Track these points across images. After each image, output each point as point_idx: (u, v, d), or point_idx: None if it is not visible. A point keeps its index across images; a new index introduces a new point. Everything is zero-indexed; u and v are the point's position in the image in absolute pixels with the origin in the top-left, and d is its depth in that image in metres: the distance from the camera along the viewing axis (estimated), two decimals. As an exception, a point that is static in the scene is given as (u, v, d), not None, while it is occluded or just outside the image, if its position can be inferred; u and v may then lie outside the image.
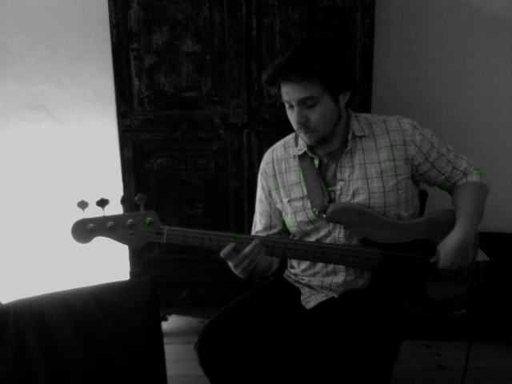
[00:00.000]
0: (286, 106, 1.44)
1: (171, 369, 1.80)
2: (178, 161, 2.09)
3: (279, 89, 1.42)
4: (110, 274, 2.39)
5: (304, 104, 1.38)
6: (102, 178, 2.39)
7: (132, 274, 2.18)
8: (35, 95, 2.38)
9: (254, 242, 1.37)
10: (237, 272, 1.45)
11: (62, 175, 2.44)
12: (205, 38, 1.98)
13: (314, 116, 1.40)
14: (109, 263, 2.44)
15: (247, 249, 1.37)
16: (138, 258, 2.17)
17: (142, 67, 2.01)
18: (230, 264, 1.42)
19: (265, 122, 2.05)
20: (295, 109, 1.40)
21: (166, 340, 1.77)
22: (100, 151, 2.42)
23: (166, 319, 2.33)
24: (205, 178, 2.10)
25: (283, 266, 1.68)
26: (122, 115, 2.05)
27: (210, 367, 1.44)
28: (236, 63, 2.00)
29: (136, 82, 2.02)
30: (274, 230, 1.62)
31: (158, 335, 1.73)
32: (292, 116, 1.43)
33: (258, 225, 1.65)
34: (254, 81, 2.01)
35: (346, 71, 1.44)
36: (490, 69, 2.40)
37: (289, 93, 1.39)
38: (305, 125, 1.41)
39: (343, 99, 1.45)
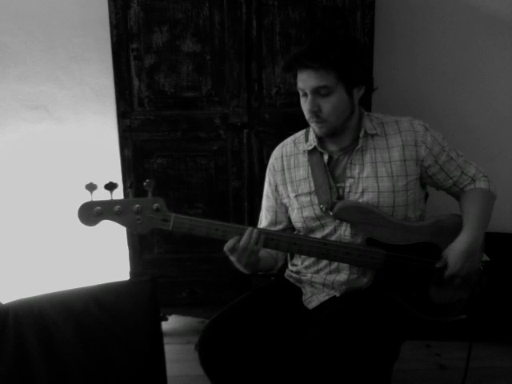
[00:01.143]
0: (300, 94, 1.44)
1: (171, 369, 1.80)
2: (178, 161, 2.09)
3: (295, 77, 1.43)
4: (110, 273, 2.39)
5: (318, 93, 1.39)
6: (102, 178, 2.38)
7: (132, 274, 2.18)
8: (35, 95, 2.38)
9: (247, 231, 1.38)
10: (240, 267, 1.44)
11: (62, 175, 2.43)
12: (205, 38, 1.98)
13: (326, 106, 1.40)
14: (109, 263, 2.44)
15: (243, 238, 1.37)
16: (138, 257, 2.17)
17: (142, 67, 2.01)
18: (233, 259, 1.42)
19: (265, 122, 2.05)
20: (309, 97, 1.40)
21: (166, 340, 1.77)
22: (100, 151, 2.42)
23: (166, 319, 2.33)
24: (205, 178, 2.10)
25: (284, 265, 1.68)
26: (122, 115, 2.04)
27: (211, 367, 1.43)
28: (236, 63, 2.00)
29: (136, 82, 2.02)
30: (280, 226, 1.61)
31: (158, 335, 1.73)
32: (305, 105, 1.43)
33: (264, 221, 1.65)
34: (253, 81, 2.01)
35: (362, 66, 1.44)
36: (489, 68, 2.40)
37: (304, 80, 1.39)
38: (316, 114, 1.41)
39: (357, 94, 1.45)
